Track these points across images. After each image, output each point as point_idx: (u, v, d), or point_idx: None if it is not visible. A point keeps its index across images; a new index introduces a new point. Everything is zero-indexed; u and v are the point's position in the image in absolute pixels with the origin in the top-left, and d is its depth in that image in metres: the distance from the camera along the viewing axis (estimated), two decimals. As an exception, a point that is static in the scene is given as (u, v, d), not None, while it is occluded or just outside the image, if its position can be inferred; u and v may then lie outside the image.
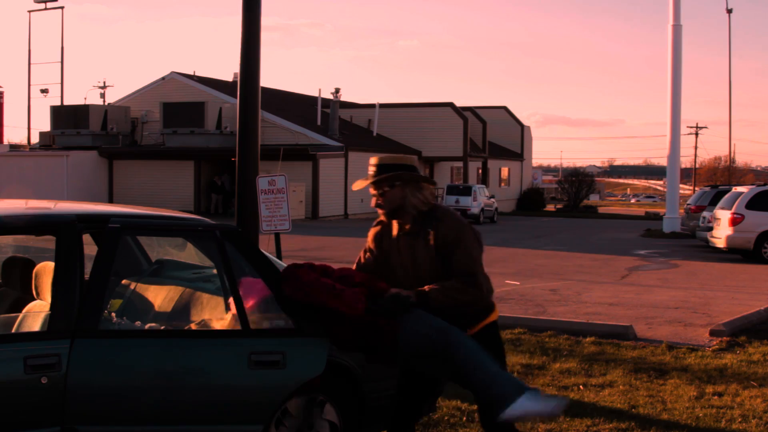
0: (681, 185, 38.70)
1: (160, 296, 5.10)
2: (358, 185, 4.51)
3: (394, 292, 4.24)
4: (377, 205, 4.38)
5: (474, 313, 4.34)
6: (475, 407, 6.33)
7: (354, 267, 4.57)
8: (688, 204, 26.91)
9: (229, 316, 4.50)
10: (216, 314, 4.71)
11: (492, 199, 38.51)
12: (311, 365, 4.43)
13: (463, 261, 4.23)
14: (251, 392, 4.35)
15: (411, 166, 4.38)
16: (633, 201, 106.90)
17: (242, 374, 4.32)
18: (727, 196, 20.79)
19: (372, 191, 4.40)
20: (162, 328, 4.62)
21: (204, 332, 4.54)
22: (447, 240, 4.24)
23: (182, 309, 4.92)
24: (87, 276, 4.28)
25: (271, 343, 4.39)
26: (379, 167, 4.36)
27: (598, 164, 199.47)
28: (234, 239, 4.52)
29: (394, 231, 4.43)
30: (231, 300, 4.45)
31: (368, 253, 4.55)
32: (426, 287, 4.25)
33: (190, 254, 5.60)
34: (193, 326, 4.67)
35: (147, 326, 4.65)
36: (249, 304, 4.46)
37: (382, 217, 4.46)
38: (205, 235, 4.62)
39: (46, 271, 4.58)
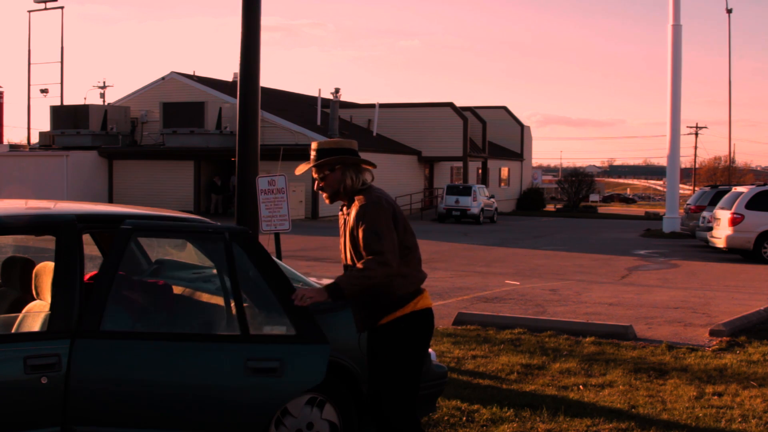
0: (681, 185, 38.70)
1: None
2: (300, 169, 4.57)
3: (298, 296, 4.28)
4: (319, 188, 4.48)
5: (395, 301, 4.32)
6: (475, 407, 6.34)
7: None
8: (687, 204, 26.92)
9: (228, 320, 4.48)
10: (216, 317, 4.69)
11: (492, 199, 38.49)
12: (310, 374, 4.37)
13: (367, 241, 4.24)
14: (246, 399, 4.27)
15: (351, 149, 4.46)
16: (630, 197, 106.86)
17: (238, 380, 4.25)
18: (727, 196, 20.78)
19: (314, 175, 4.48)
20: (162, 330, 4.58)
21: (203, 336, 4.48)
22: (355, 220, 4.31)
23: (183, 310, 4.91)
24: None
25: (269, 350, 4.31)
26: (319, 152, 4.42)
27: (598, 164, 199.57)
28: (242, 241, 4.46)
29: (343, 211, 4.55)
30: (232, 303, 4.40)
31: None
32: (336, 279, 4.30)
33: (189, 254, 5.60)
34: (193, 328, 4.65)
35: (146, 328, 4.61)
36: (250, 308, 4.43)
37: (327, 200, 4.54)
38: (214, 237, 4.54)
39: (46, 271, 4.58)
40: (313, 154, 4.45)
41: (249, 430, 4.33)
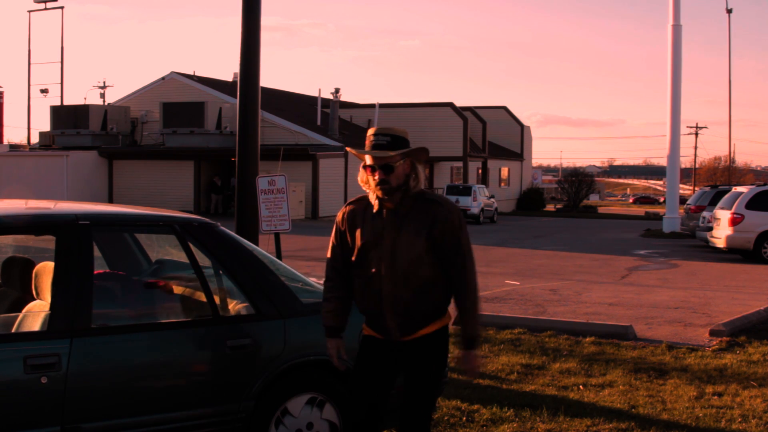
0: (681, 185, 38.70)
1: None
2: (362, 154, 3.96)
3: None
4: (381, 182, 3.83)
5: (443, 307, 4.06)
6: (475, 407, 6.34)
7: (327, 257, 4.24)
8: (687, 204, 26.92)
9: (206, 307, 4.67)
10: (195, 306, 4.92)
11: (492, 199, 38.48)
12: (274, 346, 4.69)
13: (465, 245, 3.94)
14: (230, 375, 4.55)
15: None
16: (631, 201, 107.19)
17: (221, 359, 4.53)
18: (727, 196, 20.78)
19: (370, 161, 3.88)
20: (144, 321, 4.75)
21: (186, 323, 4.71)
22: (447, 230, 3.87)
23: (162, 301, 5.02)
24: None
25: (241, 329, 4.65)
26: (395, 138, 3.87)
27: (598, 164, 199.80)
28: (195, 232, 4.71)
29: (375, 209, 3.96)
30: (205, 291, 4.65)
31: (338, 239, 4.13)
32: (465, 330, 3.96)
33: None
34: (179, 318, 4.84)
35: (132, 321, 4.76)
36: (219, 293, 4.79)
37: (372, 195, 3.97)
38: (165, 229, 4.84)
39: (46, 271, 4.59)
40: (379, 138, 3.89)
41: (235, 401, 4.55)
